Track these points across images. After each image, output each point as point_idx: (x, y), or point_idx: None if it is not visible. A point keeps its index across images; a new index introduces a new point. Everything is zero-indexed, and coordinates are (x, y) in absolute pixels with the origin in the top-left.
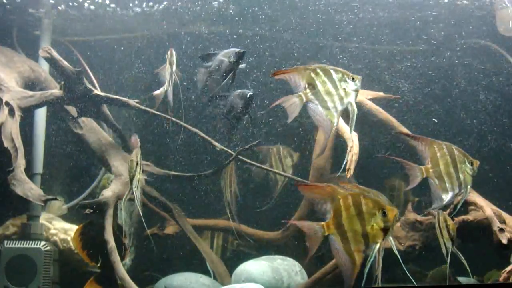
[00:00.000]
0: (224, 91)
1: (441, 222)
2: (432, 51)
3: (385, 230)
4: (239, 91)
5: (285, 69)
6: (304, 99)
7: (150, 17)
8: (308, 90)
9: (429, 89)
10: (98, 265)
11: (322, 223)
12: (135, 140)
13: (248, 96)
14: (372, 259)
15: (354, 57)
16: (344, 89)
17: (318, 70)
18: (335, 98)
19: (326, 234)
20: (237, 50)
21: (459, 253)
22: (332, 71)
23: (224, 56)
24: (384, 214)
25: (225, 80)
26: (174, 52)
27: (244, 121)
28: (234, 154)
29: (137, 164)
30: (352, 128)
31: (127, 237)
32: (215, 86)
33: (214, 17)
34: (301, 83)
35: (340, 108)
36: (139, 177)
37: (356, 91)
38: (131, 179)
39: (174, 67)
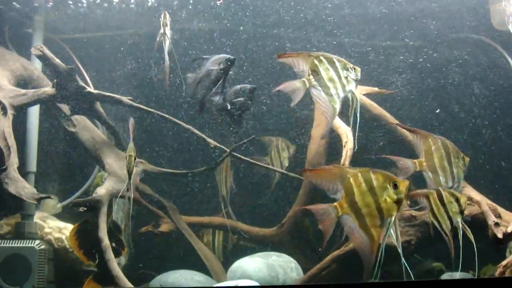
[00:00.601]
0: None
1: (447, 197)
2: (425, 46)
3: (398, 203)
4: (239, 86)
5: (290, 52)
6: (307, 85)
7: (142, 14)
8: (311, 76)
9: (422, 84)
10: (95, 263)
11: (335, 203)
12: (132, 124)
13: (250, 88)
14: (388, 232)
15: (348, 52)
16: (346, 77)
17: (322, 58)
18: (337, 85)
19: (340, 214)
20: (227, 56)
21: (468, 229)
22: (335, 59)
23: (214, 62)
24: (395, 186)
25: (215, 88)
26: (167, 15)
27: (247, 115)
28: (228, 150)
29: (135, 159)
30: (357, 115)
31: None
32: (204, 93)
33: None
34: (304, 69)
35: (342, 95)
36: (134, 171)
37: (356, 81)
38: (130, 174)
39: (168, 29)
